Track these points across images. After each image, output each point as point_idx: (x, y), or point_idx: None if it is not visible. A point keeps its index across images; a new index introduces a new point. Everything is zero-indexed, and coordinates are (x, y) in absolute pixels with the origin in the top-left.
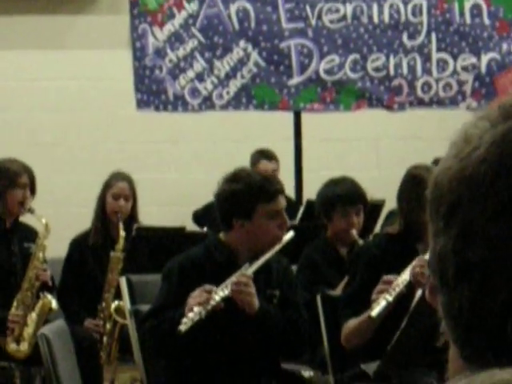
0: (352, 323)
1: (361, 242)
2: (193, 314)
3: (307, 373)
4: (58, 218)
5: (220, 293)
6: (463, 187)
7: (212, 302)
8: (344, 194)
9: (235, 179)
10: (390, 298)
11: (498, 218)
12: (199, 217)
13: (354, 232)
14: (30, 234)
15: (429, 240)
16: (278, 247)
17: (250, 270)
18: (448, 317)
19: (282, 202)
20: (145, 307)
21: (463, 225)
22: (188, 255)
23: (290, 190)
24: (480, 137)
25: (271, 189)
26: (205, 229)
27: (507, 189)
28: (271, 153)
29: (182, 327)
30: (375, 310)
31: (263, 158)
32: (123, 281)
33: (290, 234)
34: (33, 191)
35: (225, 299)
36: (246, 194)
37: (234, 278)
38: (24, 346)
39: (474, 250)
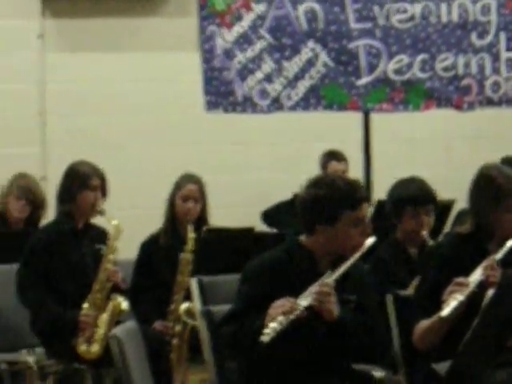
0: (424, 324)
1: (431, 242)
2: (276, 324)
3: (378, 373)
4: (129, 220)
5: (303, 302)
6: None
7: (295, 312)
8: (414, 195)
9: (319, 184)
10: (462, 298)
11: None
12: (269, 216)
13: (425, 232)
14: (101, 236)
15: None
16: (359, 254)
17: (331, 278)
18: None
19: (366, 210)
20: (215, 308)
21: None
22: (268, 257)
23: None
24: None
25: (357, 196)
26: (274, 230)
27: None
28: (341, 154)
29: (265, 338)
30: (446, 311)
31: (333, 159)
32: (194, 282)
33: (370, 240)
34: (104, 193)
35: (306, 308)
36: (332, 200)
37: (316, 287)
38: (95, 348)
39: None
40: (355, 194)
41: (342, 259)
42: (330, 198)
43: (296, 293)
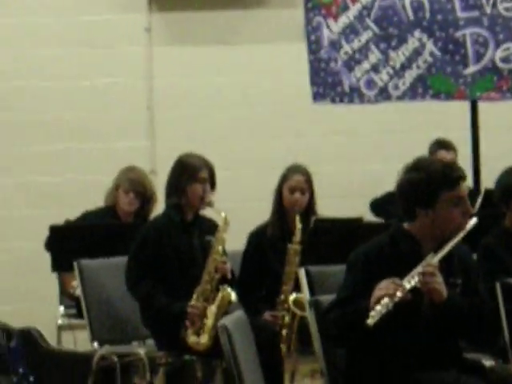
0: None
1: None
2: (381, 306)
3: (488, 362)
4: (237, 212)
5: (407, 284)
6: None
7: (399, 294)
8: None
9: (416, 168)
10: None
11: None
12: (377, 206)
13: None
14: (210, 227)
15: None
16: (461, 235)
17: (435, 258)
18: None
19: (465, 189)
20: (324, 298)
21: None
22: (373, 244)
23: (468, 179)
24: None
25: (453, 175)
26: (380, 219)
27: None
28: (449, 143)
29: (370, 320)
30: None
31: (441, 148)
32: (302, 272)
33: (473, 221)
34: (213, 185)
35: (412, 290)
36: (429, 182)
37: (420, 268)
38: (204, 339)
39: None
40: (452, 173)
41: (444, 242)
42: (427, 180)
43: (400, 278)
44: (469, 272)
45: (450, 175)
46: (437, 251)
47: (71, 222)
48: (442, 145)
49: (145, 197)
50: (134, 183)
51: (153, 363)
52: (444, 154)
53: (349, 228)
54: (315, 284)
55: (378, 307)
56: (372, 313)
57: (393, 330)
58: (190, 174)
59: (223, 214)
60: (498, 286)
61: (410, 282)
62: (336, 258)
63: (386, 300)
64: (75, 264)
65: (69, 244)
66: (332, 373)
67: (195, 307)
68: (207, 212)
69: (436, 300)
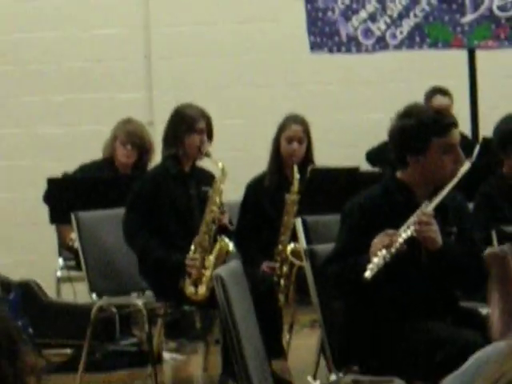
0: None
1: None
2: (377, 258)
3: (485, 310)
4: (235, 162)
5: (403, 234)
6: None
7: (396, 245)
8: None
9: (407, 115)
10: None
11: None
12: (373, 157)
13: None
14: (208, 178)
15: None
16: (454, 181)
17: (429, 207)
18: None
19: (456, 136)
20: (320, 248)
21: None
22: (366, 195)
23: (466, 128)
24: None
25: (444, 122)
26: (377, 169)
27: None
28: (446, 89)
29: (368, 273)
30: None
31: (438, 93)
32: (299, 222)
33: (465, 167)
34: (210, 136)
35: (408, 240)
36: (419, 128)
37: (415, 218)
38: (202, 289)
39: None
40: (443, 120)
41: (438, 190)
42: (417, 126)
43: (397, 227)
44: (464, 220)
45: (440, 122)
46: (431, 199)
47: (69, 175)
48: (438, 90)
49: (142, 148)
50: (131, 135)
51: (151, 314)
52: (440, 99)
53: (345, 177)
54: (312, 233)
55: (376, 259)
56: (369, 265)
57: (390, 281)
58: (188, 125)
59: (220, 165)
60: (493, 233)
61: (406, 231)
62: (333, 207)
63: (383, 252)
64: (73, 216)
65: (67, 196)
66: (329, 323)
67: (194, 258)
68: (205, 163)
69: (431, 248)
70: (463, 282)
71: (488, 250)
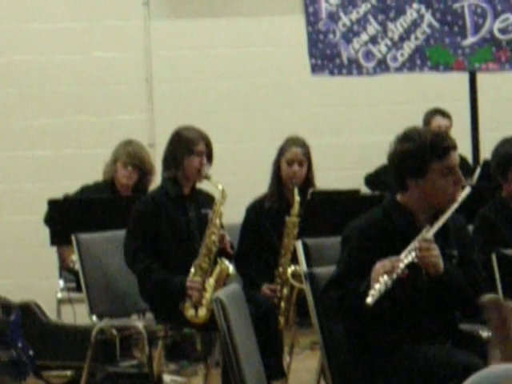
0: None
1: None
2: (379, 284)
3: (485, 333)
4: (235, 185)
5: (404, 260)
6: None
7: (398, 271)
8: None
9: (406, 138)
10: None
11: None
12: (371, 180)
13: None
14: (207, 201)
15: None
16: (455, 206)
17: (430, 232)
18: None
19: (455, 158)
20: (320, 270)
21: None
22: (367, 219)
23: (466, 150)
24: None
25: (443, 145)
26: (376, 192)
27: None
28: (445, 111)
29: (370, 299)
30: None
31: (437, 114)
32: (299, 244)
33: (466, 191)
34: (210, 158)
35: (409, 265)
36: (418, 152)
37: (416, 243)
38: (202, 312)
39: None
40: (442, 142)
41: (439, 214)
42: (416, 150)
43: (397, 251)
44: (465, 243)
45: (439, 145)
46: (431, 222)
47: (70, 196)
48: (438, 111)
49: (143, 170)
50: (131, 156)
51: (152, 336)
52: (439, 120)
53: (346, 200)
54: (312, 256)
55: (377, 285)
56: (371, 291)
57: (391, 305)
58: (187, 147)
59: (220, 187)
60: (493, 256)
61: (407, 257)
62: (333, 230)
63: (384, 278)
64: (73, 237)
65: (67, 218)
66: (329, 346)
67: (194, 281)
68: (204, 185)
69: (433, 273)
70: (464, 306)
71: (485, 297)
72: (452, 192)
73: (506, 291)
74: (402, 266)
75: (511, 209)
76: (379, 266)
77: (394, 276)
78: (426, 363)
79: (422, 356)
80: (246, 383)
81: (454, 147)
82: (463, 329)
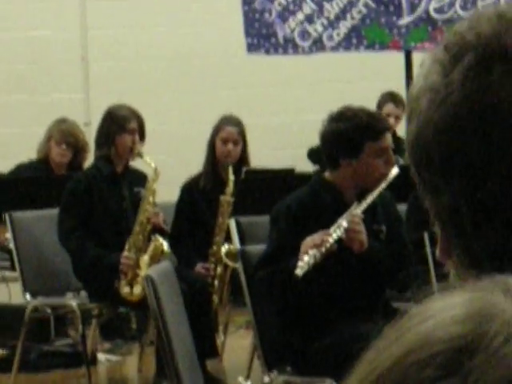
0: None
1: None
2: (308, 257)
3: None
4: (170, 164)
5: (333, 234)
6: (451, 134)
7: (327, 244)
8: None
9: (341, 118)
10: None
11: (503, 150)
12: (315, 154)
13: None
14: (140, 179)
15: (423, 199)
16: (384, 185)
17: (359, 209)
18: (470, 266)
19: (389, 140)
20: (253, 248)
21: (466, 171)
22: (294, 197)
23: (403, 129)
24: (445, 83)
25: (378, 126)
26: (317, 167)
27: (497, 122)
28: (400, 98)
29: (299, 271)
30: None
31: (391, 101)
32: (232, 223)
33: (395, 171)
34: (142, 136)
35: (338, 240)
36: (354, 132)
37: (344, 219)
38: (137, 290)
39: (487, 191)
40: (377, 124)
41: (367, 191)
42: (352, 130)
43: (324, 227)
44: (392, 218)
45: (374, 126)
46: (359, 200)
47: (4, 175)
48: (392, 98)
49: (77, 148)
50: (65, 134)
51: (86, 315)
52: (391, 108)
53: (280, 179)
54: (246, 234)
55: (306, 257)
56: (300, 263)
57: (320, 281)
58: (119, 125)
59: (153, 165)
60: (425, 235)
61: (336, 231)
62: (267, 208)
63: (313, 251)
64: (7, 216)
65: (1, 197)
66: (262, 324)
67: (128, 258)
68: (138, 164)
69: (357, 250)
70: (388, 280)
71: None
72: (384, 172)
73: (437, 269)
74: (330, 240)
75: None
76: (309, 239)
77: (323, 249)
78: (356, 341)
79: (353, 334)
80: (178, 361)
81: (388, 128)
82: (396, 307)
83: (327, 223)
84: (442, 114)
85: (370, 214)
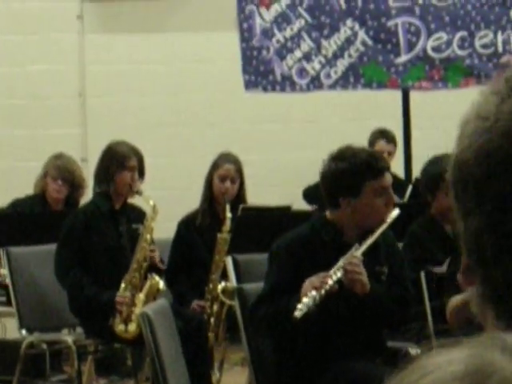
0: (457, 299)
1: None
2: (307, 299)
3: (414, 350)
4: (167, 200)
5: (333, 276)
6: (491, 160)
7: (326, 286)
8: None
9: (341, 157)
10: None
11: None
12: (310, 194)
13: None
14: (138, 216)
15: (457, 223)
16: (385, 226)
17: (359, 250)
18: (490, 299)
19: (389, 179)
20: (250, 286)
21: (497, 198)
22: (294, 235)
23: (399, 168)
24: (496, 111)
25: (378, 165)
26: (314, 207)
27: None
28: (391, 135)
29: (298, 313)
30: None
31: (382, 138)
32: (229, 260)
33: (395, 212)
34: (141, 174)
35: (338, 282)
36: (353, 171)
37: (345, 260)
38: (132, 327)
39: None
40: (376, 163)
41: (368, 232)
42: (351, 169)
43: (325, 267)
44: (394, 259)
45: (374, 165)
46: (360, 240)
47: (1, 209)
48: (383, 135)
49: (73, 183)
50: (61, 170)
51: (81, 351)
52: (383, 145)
53: (277, 216)
54: (242, 272)
55: (305, 299)
56: (299, 305)
57: (319, 321)
58: (119, 162)
59: (152, 203)
60: (422, 274)
61: (336, 273)
62: (264, 246)
63: (312, 293)
64: (3, 251)
65: None
66: (258, 362)
67: (123, 296)
68: (136, 200)
69: (359, 292)
70: (388, 323)
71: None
72: (384, 212)
73: (433, 308)
74: (330, 282)
75: (440, 226)
76: (309, 281)
77: (323, 291)
78: (353, 379)
79: (350, 372)
80: None
81: (388, 168)
82: (392, 346)
83: (327, 262)
84: (485, 140)
85: (371, 255)
